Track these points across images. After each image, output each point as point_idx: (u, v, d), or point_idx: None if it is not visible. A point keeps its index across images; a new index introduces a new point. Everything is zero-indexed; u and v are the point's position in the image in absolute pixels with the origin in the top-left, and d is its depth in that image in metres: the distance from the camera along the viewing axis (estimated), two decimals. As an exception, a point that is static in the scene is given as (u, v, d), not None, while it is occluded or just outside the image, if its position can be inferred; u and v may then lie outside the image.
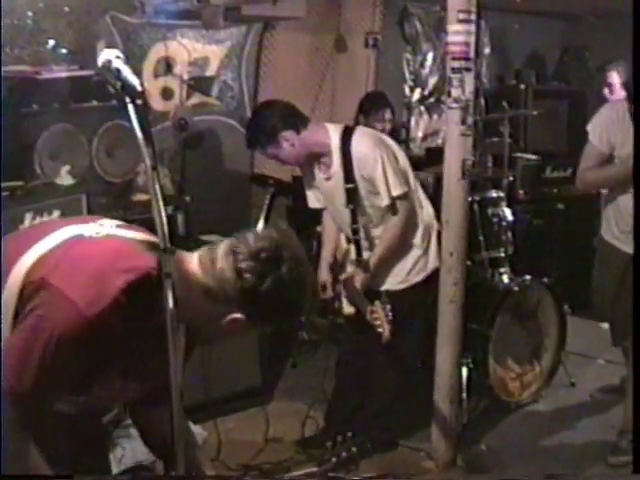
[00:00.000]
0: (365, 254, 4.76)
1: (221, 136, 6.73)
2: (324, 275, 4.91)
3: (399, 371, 4.89)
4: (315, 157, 4.74)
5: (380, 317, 4.53)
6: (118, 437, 4.84)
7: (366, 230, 4.78)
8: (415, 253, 4.77)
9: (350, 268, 4.85)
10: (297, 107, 4.76)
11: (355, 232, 4.74)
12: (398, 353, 4.79)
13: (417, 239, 4.77)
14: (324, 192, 4.85)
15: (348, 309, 4.83)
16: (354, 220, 4.71)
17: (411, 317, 4.81)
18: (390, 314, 4.51)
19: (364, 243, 4.79)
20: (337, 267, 4.96)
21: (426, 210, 4.84)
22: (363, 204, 4.68)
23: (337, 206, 4.79)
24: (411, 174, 4.78)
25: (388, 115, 6.48)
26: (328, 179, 4.73)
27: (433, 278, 4.71)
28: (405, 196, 4.63)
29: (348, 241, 4.91)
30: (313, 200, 5.00)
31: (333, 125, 4.77)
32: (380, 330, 4.52)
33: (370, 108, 6.59)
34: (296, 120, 4.62)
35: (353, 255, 4.81)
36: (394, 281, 4.78)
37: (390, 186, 4.54)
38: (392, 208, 4.62)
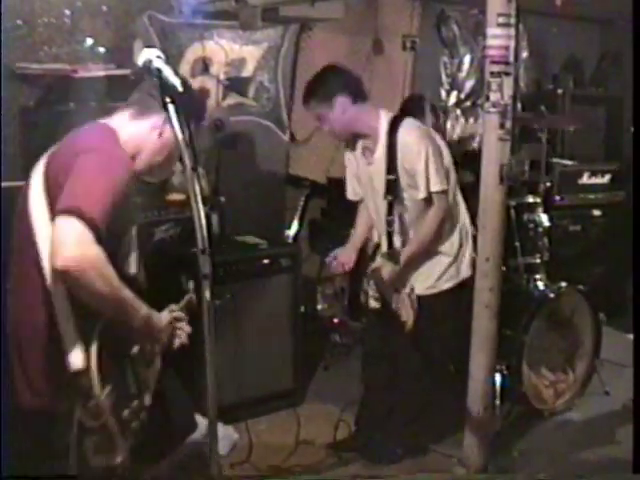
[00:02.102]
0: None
1: (257, 137, 6.73)
2: (346, 256, 4.91)
3: (429, 377, 4.85)
4: (361, 138, 4.73)
5: (405, 305, 4.51)
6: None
7: (401, 223, 4.73)
8: (446, 259, 4.73)
9: (380, 260, 4.81)
10: (361, 81, 4.79)
11: (390, 224, 4.70)
12: (427, 358, 4.76)
13: (450, 243, 4.73)
14: (364, 180, 4.82)
15: (374, 304, 4.79)
16: (390, 212, 4.67)
17: (440, 323, 4.78)
18: (416, 304, 4.50)
19: (398, 237, 4.74)
20: (366, 259, 4.93)
21: (463, 214, 4.80)
22: (402, 196, 4.65)
23: (375, 196, 4.75)
24: (453, 174, 4.75)
25: (430, 119, 6.43)
26: (370, 164, 4.71)
27: (465, 286, 4.67)
28: (444, 193, 4.60)
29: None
30: (351, 191, 4.99)
31: (385, 111, 4.73)
32: (404, 319, 4.51)
33: (411, 110, 6.55)
34: (356, 91, 4.62)
35: (384, 248, 4.77)
36: (423, 286, 4.74)
37: (430, 181, 4.52)
38: (429, 204, 4.59)
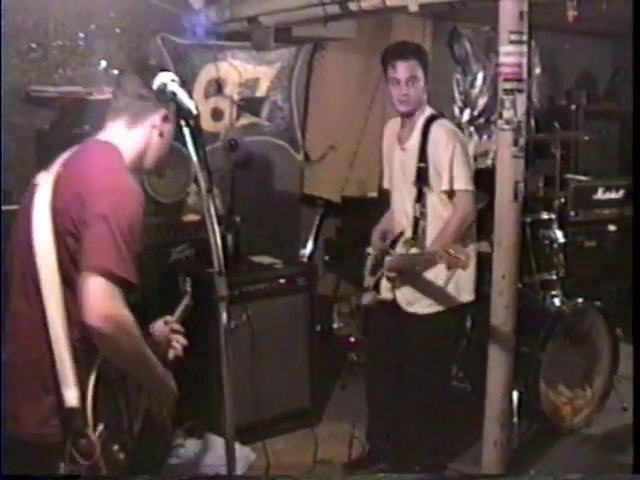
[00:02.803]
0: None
1: (271, 157, 6.75)
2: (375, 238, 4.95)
3: (433, 393, 4.82)
4: (405, 119, 4.82)
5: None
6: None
7: (426, 214, 4.74)
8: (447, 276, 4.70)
9: (402, 246, 4.78)
10: None
11: (417, 211, 4.71)
12: (428, 376, 4.75)
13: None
14: (397, 164, 4.87)
15: (386, 294, 4.78)
16: (418, 199, 4.70)
17: (438, 342, 4.78)
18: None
19: (422, 225, 4.74)
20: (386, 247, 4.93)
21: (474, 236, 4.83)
22: (431, 185, 4.68)
23: (405, 182, 4.79)
24: None
25: None
26: (403, 150, 4.79)
27: (467, 307, 4.68)
28: (470, 193, 4.64)
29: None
30: (387, 179, 5.05)
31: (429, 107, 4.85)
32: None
33: None
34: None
35: (409, 234, 4.77)
36: (423, 304, 4.74)
37: (455, 177, 4.58)
38: (453, 202, 4.64)
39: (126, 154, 2.88)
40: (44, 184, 2.78)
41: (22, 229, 2.78)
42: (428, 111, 4.76)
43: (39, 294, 2.67)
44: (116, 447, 2.73)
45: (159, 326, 3.20)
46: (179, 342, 3.22)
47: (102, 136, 2.93)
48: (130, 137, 2.90)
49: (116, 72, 5.50)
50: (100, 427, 2.66)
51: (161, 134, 2.88)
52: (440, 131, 4.65)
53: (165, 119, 2.85)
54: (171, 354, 3.18)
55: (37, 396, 2.73)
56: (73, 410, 2.61)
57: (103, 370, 2.69)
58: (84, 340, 2.63)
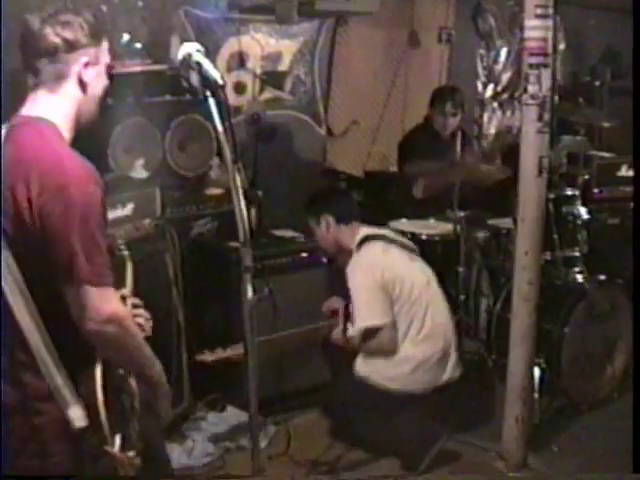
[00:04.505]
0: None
1: (293, 131, 6.74)
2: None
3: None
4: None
5: None
6: (187, 430, 4.89)
7: None
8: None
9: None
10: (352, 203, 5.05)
11: None
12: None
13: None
14: None
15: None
16: None
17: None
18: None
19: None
20: None
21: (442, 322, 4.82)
22: None
23: None
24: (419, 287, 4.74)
25: (449, 108, 6.40)
26: None
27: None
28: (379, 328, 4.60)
29: None
30: None
31: (364, 230, 4.86)
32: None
33: (433, 101, 6.56)
34: (343, 212, 4.91)
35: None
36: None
37: (359, 315, 4.60)
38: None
39: (59, 125, 2.58)
40: None
41: None
42: (357, 237, 4.81)
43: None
44: (132, 453, 2.55)
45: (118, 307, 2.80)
46: (144, 318, 2.87)
47: (26, 111, 2.60)
48: (58, 103, 2.59)
49: (138, 45, 5.49)
50: (117, 439, 2.50)
51: (85, 85, 2.63)
52: (353, 264, 4.74)
53: (86, 65, 2.61)
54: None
55: (39, 427, 2.49)
56: (85, 430, 2.42)
57: (106, 374, 2.52)
58: (76, 345, 2.45)
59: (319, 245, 4.99)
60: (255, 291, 2.26)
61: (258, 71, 6.45)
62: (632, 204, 5.63)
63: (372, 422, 4.63)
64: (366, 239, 4.75)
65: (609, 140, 7.67)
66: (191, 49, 2.29)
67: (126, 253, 3.00)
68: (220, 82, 2.17)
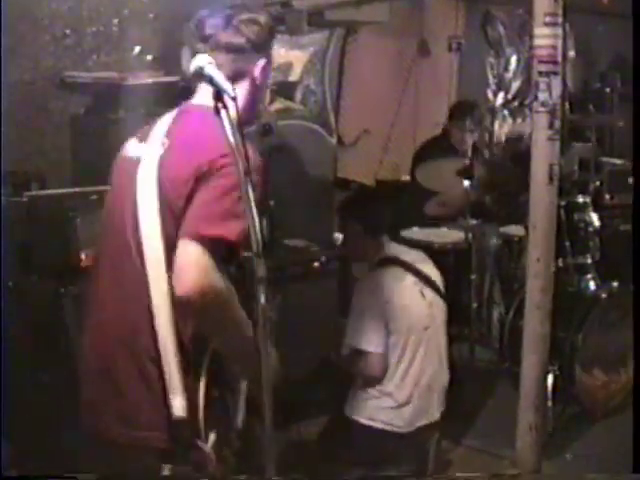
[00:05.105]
0: None
1: (304, 140, 6.76)
2: None
3: None
4: None
5: None
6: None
7: None
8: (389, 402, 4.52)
9: None
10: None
11: None
12: None
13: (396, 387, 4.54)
14: None
15: None
16: None
17: None
18: None
19: None
20: None
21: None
22: None
23: None
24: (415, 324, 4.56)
25: (469, 125, 6.40)
26: None
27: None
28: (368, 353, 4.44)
29: None
30: None
31: (392, 245, 4.72)
32: None
33: (452, 116, 6.60)
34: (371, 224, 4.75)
35: None
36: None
37: (347, 334, 4.49)
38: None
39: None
40: (147, 158, 2.62)
41: (121, 208, 2.62)
42: (382, 252, 4.68)
43: (142, 280, 2.48)
44: (227, 451, 2.58)
45: None
46: None
47: (196, 101, 2.81)
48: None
49: (150, 57, 5.52)
50: (212, 436, 2.51)
51: (260, 83, 2.84)
52: (359, 285, 4.69)
53: (267, 65, 2.83)
54: None
55: (142, 398, 2.55)
56: (181, 421, 2.45)
57: (212, 371, 2.53)
58: (195, 337, 2.50)
59: (346, 248, 4.88)
60: (268, 301, 2.27)
61: (269, 82, 6.47)
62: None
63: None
64: (385, 261, 4.61)
65: (621, 143, 7.66)
66: (203, 62, 2.30)
67: None
68: (232, 94, 2.19)
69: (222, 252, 2.45)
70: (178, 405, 2.45)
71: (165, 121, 2.79)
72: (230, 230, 2.43)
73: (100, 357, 2.63)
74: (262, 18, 2.83)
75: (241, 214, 2.31)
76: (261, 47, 2.80)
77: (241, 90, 2.74)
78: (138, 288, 2.49)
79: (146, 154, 2.64)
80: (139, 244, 2.51)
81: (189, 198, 2.46)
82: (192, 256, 2.37)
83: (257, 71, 2.81)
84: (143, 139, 2.76)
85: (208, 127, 2.48)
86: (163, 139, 2.67)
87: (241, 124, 2.33)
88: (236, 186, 2.32)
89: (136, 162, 2.64)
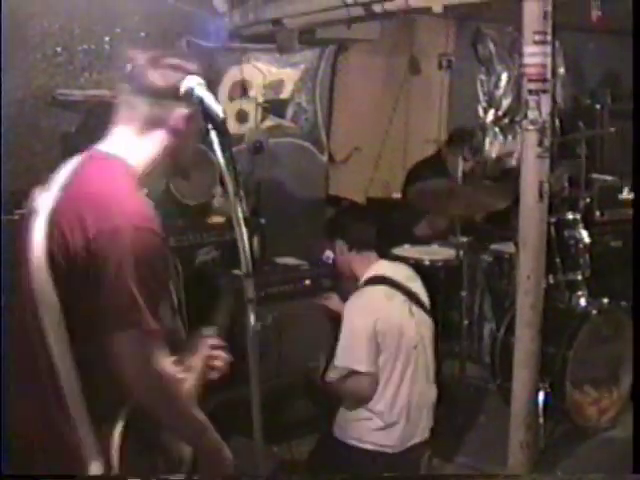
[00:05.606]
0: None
1: (296, 158, 6.77)
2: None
3: None
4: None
5: None
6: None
7: None
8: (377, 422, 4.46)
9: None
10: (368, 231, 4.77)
11: None
12: None
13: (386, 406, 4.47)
14: None
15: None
16: None
17: None
18: None
19: None
20: None
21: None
22: None
23: None
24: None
25: (466, 154, 6.39)
26: None
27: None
28: (358, 373, 4.37)
29: None
30: None
31: (377, 263, 4.67)
32: None
33: (450, 142, 6.65)
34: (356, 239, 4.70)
35: None
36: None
37: (338, 354, 4.40)
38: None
39: (135, 167, 2.52)
40: (41, 212, 2.42)
41: (21, 260, 2.44)
42: (370, 269, 4.62)
43: (44, 345, 2.34)
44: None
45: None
46: (221, 360, 2.80)
47: (104, 147, 2.58)
48: (142, 145, 2.55)
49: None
50: None
51: (181, 136, 2.57)
52: (349, 302, 4.55)
53: (189, 119, 2.52)
54: (214, 374, 2.76)
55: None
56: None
57: (137, 427, 2.40)
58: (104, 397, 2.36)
59: (336, 266, 4.79)
60: (258, 319, 2.27)
61: (260, 99, 6.49)
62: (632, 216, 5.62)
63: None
64: (375, 279, 4.56)
65: (611, 159, 7.68)
66: (193, 83, 2.31)
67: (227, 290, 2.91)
68: (221, 116, 2.19)
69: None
70: (94, 469, 2.34)
71: (69, 168, 2.57)
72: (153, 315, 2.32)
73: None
74: (191, 66, 2.54)
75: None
76: (185, 96, 2.46)
77: (155, 138, 2.57)
78: (39, 331, 2.36)
79: (41, 206, 2.46)
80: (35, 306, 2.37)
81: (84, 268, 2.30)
82: (132, 346, 2.28)
83: (178, 120, 2.54)
84: (45, 187, 2.55)
85: (108, 185, 2.38)
86: (57, 192, 2.47)
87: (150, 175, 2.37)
88: (151, 260, 2.29)
89: (35, 214, 2.46)
